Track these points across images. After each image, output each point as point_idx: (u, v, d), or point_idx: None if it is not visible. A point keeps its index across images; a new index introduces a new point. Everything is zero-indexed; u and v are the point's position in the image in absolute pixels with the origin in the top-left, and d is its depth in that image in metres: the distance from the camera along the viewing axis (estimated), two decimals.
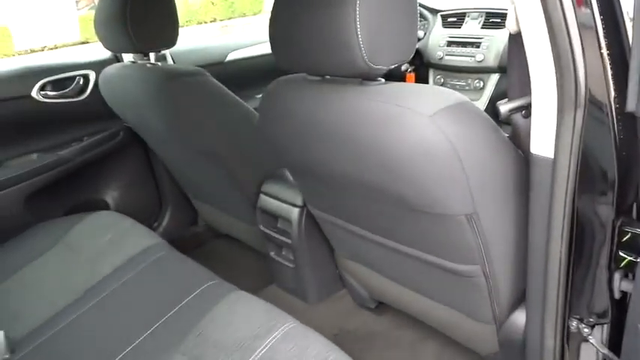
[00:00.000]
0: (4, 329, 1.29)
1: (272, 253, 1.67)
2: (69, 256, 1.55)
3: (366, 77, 0.91)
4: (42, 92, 1.72)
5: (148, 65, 1.49)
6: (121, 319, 1.24)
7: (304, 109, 0.97)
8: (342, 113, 0.90)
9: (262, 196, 1.58)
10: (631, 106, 0.68)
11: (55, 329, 1.27)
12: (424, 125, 0.82)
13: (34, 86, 1.70)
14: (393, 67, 0.88)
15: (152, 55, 1.56)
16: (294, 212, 1.48)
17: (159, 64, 1.53)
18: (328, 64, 0.88)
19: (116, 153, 1.95)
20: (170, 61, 1.98)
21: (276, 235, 1.57)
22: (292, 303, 1.71)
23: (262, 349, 1.01)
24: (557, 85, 0.77)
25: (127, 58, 1.84)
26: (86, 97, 1.81)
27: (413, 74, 2.30)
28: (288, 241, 1.54)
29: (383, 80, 0.93)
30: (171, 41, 1.46)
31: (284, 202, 1.51)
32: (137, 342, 1.15)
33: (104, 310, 1.29)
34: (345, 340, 1.56)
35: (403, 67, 2.29)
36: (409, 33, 0.88)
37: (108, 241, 1.56)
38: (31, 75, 1.71)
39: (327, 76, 0.97)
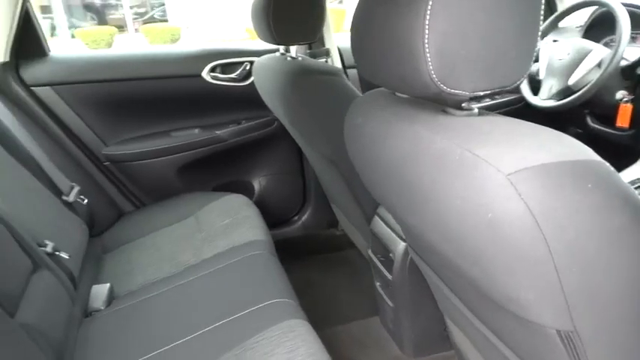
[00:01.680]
0: (112, 284, 1.42)
1: (378, 284, 1.48)
2: (193, 230, 1.63)
3: (448, 104, 0.67)
4: (212, 74, 1.84)
5: (288, 59, 1.45)
6: (191, 308, 1.24)
7: (374, 131, 0.77)
8: (407, 148, 0.68)
9: (376, 219, 1.40)
10: None
11: (145, 296, 1.34)
12: (497, 186, 0.56)
13: (205, 67, 1.82)
14: (481, 94, 0.63)
15: (293, 49, 1.50)
16: (400, 246, 1.27)
17: (299, 58, 1.46)
18: (397, 79, 0.67)
19: (269, 140, 1.98)
20: (336, 57, 1.92)
21: (381, 267, 1.38)
22: (389, 348, 1.50)
23: None
24: None
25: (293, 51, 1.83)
26: (249, 83, 1.87)
27: (630, 106, 1.77)
28: (389, 276, 1.34)
29: (475, 110, 0.68)
30: (311, 37, 1.38)
31: (393, 231, 1.31)
32: (191, 336, 1.13)
33: (186, 293, 1.30)
34: None
35: (618, 95, 1.78)
36: (515, 46, 0.61)
37: (224, 225, 1.58)
38: (204, 57, 1.83)
39: (399, 94, 0.76)
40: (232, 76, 1.86)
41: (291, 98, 1.35)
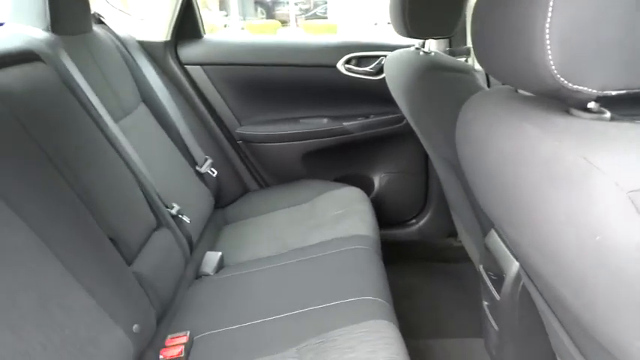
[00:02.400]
0: (224, 253, 1.51)
1: (485, 304, 1.35)
2: (305, 216, 1.66)
3: (570, 103, 0.57)
4: (346, 65, 1.85)
5: (421, 53, 1.39)
6: (288, 288, 1.26)
7: (481, 128, 0.69)
8: (511, 148, 0.60)
9: (492, 232, 1.28)
10: None
11: (250, 269, 1.40)
12: (612, 203, 0.46)
13: (340, 59, 1.84)
14: (613, 94, 0.52)
15: (427, 43, 1.43)
16: (514, 266, 1.14)
17: (432, 53, 1.39)
18: (512, 71, 0.59)
19: (395, 138, 1.94)
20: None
21: (490, 285, 1.26)
22: None
23: None
24: None
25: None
26: (382, 78, 1.84)
27: None
28: (497, 296, 1.21)
29: (607, 114, 0.57)
30: (447, 31, 1.31)
31: (509, 248, 1.18)
32: (282, 315, 1.15)
33: (286, 273, 1.33)
34: None
35: None
36: None
37: (335, 215, 1.59)
38: (341, 49, 1.85)
39: (522, 91, 0.66)
40: (367, 69, 1.85)
41: (415, 93, 1.29)
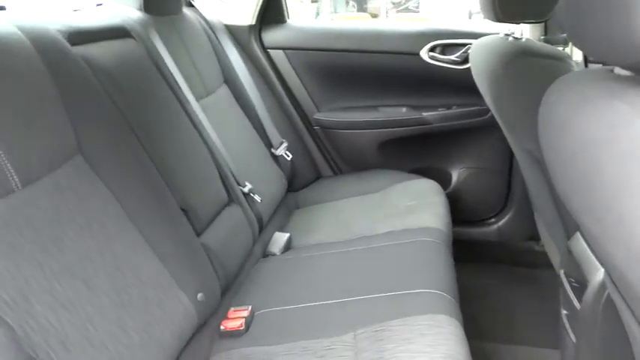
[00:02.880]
0: (292, 235, 1.52)
1: (564, 313, 1.25)
2: (376, 205, 1.64)
3: None
4: (430, 53, 1.78)
5: (510, 39, 1.30)
6: (352, 274, 1.25)
7: (564, 109, 0.62)
8: (597, 129, 0.53)
9: (578, 235, 1.17)
10: None
11: (316, 253, 1.40)
12: None
13: (424, 46, 1.77)
14: None
15: (519, 30, 1.33)
16: (599, 273, 1.04)
17: (523, 39, 1.30)
18: (601, 41, 0.53)
19: (478, 131, 1.84)
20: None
21: (570, 292, 1.16)
22: None
23: None
24: None
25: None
26: (468, 67, 1.75)
27: None
28: (578, 305, 1.11)
29: None
30: (540, 15, 1.21)
31: (594, 252, 1.08)
32: (343, 300, 1.14)
33: (351, 260, 1.32)
34: None
35: None
36: None
37: (407, 207, 1.55)
38: (426, 36, 1.78)
39: (619, 71, 0.58)
40: (452, 57, 1.77)
41: (500, 80, 1.21)
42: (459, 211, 1.91)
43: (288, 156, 1.77)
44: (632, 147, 0.47)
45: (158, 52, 1.32)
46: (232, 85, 1.70)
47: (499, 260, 1.94)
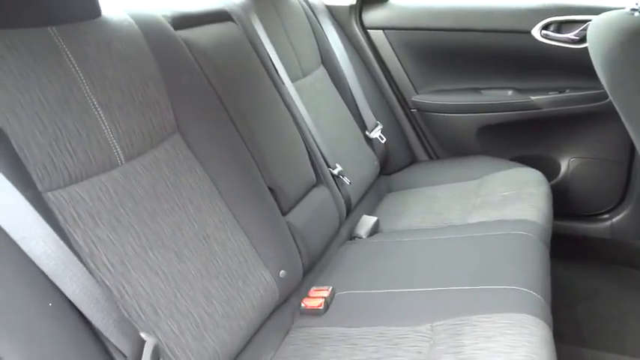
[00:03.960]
0: (380, 219, 1.51)
1: None
2: (471, 193, 1.58)
3: None
4: (543, 31, 1.63)
5: (636, 14, 1.15)
6: (438, 264, 1.22)
7: None
8: None
9: None
10: None
11: (403, 239, 1.39)
12: None
13: (537, 24, 1.63)
14: None
15: None
16: None
17: None
18: None
19: (595, 117, 1.66)
20: None
21: None
22: None
23: None
24: None
25: None
26: (585, 47, 1.59)
27: None
28: None
29: None
30: None
31: None
32: (426, 289, 1.12)
33: (439, 248, 1.29)
34: None
35: None
36: None
37: (504, 196, 1.48)
38: (539, 12, 1.63)
39: None
40: (569, 36, 1.61)
41: (620, 60, 1.08)
42: (566, 203, 1.76)
43: (383, 139, 1.74)
44: None
45: (257, 34, 1.37)
46: (330, 67, 1.71)
47: (611, 261, 1.76)
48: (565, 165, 1.77)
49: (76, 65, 0.86)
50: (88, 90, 0.86)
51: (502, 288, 1.04)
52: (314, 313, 1.13)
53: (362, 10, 1.86)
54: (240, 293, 0.98)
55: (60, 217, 0.76)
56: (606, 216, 1.76)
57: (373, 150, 1.72)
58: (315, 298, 1.16)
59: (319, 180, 1.38)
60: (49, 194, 0.76)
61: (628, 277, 1.70)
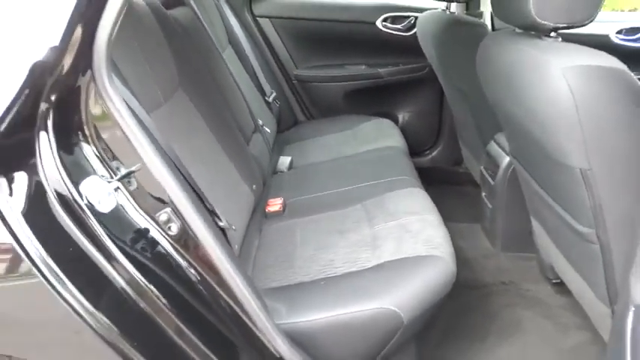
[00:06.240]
0: (293, 158, 2.03)
1: (483, 194, 1.90)
2: (350, 138, 2.18)
3: (539, 31, 1.08)
4: (383, 23, 2.34)
5: (447, 13, 1.89)
6: (343, 176, 1.79)
7: (494, 50, 1.22)
8: (511, 60, 1.12)
9: (492, 143, 1.81)
10: None
11: (314, 168, 1.93)
12: (553, 76, 0.97)
13: (379, 17, 2.33)
14: (561, 26, 1.03)
15: (453, 7, 1.94)
16: (505, 159, 1.68)
17: (455, 13, 1.90)
18: (508, 13, 1.11)
19: (418, 83, 2.43)
20: (487, 19, 2.29)
21: (488, 177, 1.80)
22: (481, 245, 1.93)
23: (405, 219, 1.39)
24: None
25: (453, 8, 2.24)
26: (412, 34, 2.34)
27: None
28: (492, 182, 1.75)
29: (559, 38, 1.08)
30: None
31: (503, 150, 1.71)
32: (344, 189, 1.68)
33: (341, 167, 1.87)
34: (502, 292, 1.71)
35: None
36: None
37: (375, 136, 2.12)
38: (380, 9, 2.34)
39: (517, 29, 1.18)
40: (399, 26, 2.35)
41: (442, 41, 1.80)
42: None
43: (277, 103, 2.27)
44: (520, 64, 1.05)
45: (200, 17, 1.78)
46: (235, 46, 2.16)
47: (435, 181, 2.57)
48: (401, 117, 2.52)
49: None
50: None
51: (395, 179, 1.67)
52: (277, 214, 1.61)
53: (252, 2, 2.34)
54: (233, 195, 1.43)
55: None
56: (428, 151, 2.57)
57: (272, 112, 2.23)
58: (274, 204, 1.64)
59: (256, 127, 1.86)
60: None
61: (446, 192, 2.47)
